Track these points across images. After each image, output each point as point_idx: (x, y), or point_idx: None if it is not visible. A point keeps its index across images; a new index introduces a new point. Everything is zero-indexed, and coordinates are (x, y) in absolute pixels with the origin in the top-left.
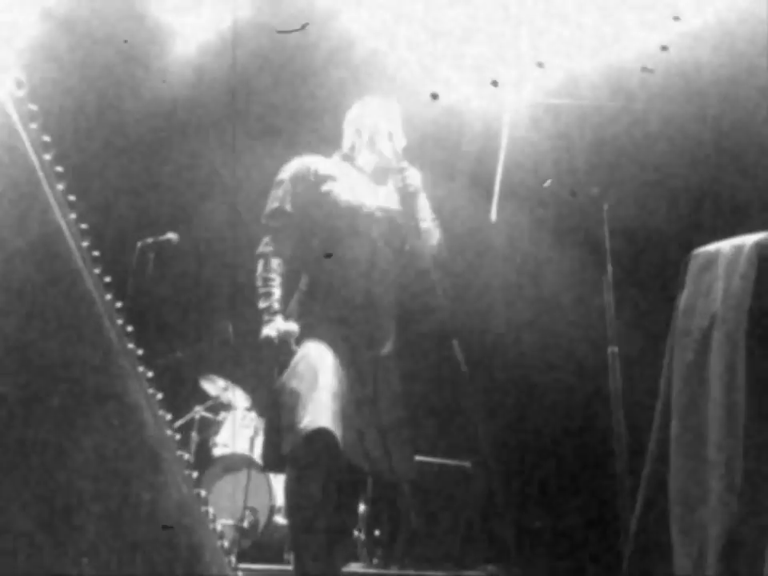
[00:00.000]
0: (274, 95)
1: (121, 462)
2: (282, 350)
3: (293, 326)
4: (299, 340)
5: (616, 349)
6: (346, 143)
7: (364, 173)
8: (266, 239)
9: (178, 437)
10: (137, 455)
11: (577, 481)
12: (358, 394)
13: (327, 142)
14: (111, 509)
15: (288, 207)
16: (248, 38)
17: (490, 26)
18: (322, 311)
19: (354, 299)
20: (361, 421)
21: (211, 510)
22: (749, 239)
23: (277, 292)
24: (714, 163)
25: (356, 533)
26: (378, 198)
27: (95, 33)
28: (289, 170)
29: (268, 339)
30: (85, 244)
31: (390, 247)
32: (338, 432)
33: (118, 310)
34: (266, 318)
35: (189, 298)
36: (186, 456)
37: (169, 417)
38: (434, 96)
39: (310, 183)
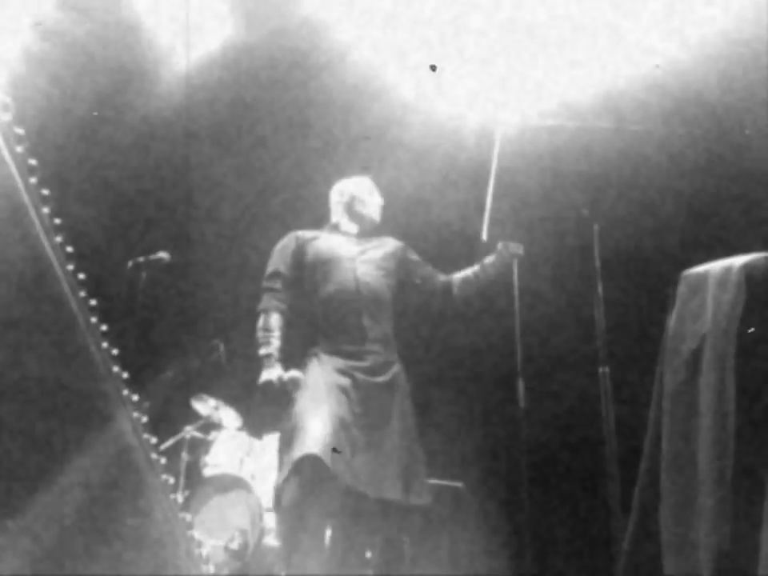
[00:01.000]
0: (268, 111)
1: (106, 486)
2: (281, 394)
3: (295, 374)
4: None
5: (607, 369)
6: (332, 217)
7: (349, 235)
8: (266, 297)
9: (163, 461)
10: (122, 480)
11: (569, 500)
12: (362, 421)
13: (320, 156)
14: (96, 534)
15: (282, 269)
16: (240, 54)
17: (485, 46)
18: (319, 347)
19: (347, 333)
20: (367, 447)
21: (197, 534)
22: (737, 260)
23: (276, 342)
24: (705, 185)
25: None
26: (362, 249)
27: (87, 47)
28: (282, 242)
29: (268, 383)
30: (70, 267)
31: (383, 282)
32: (327, 458)
33: (104, 334)
34: (266, 363)
35: (180, 317)
36: (172, 480)
37: (154, 441)
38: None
39: (300, 246)
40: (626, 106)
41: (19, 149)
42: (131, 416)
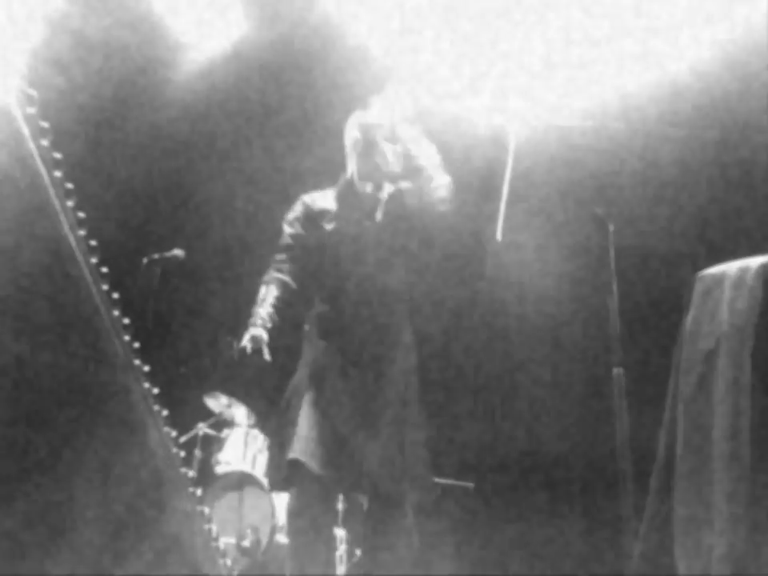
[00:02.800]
0: (282, 109)
1: (125, 479)
2: (255, 358)
3: (259, 331)
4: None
5: (621, 370)
6: (348, 164)
7: (362, 196)
8: (271, 269)
9: (182, 454)
10: (141, 472)
11: (581, 501)
12: (362, 416)
13: (334, 154)
14: (116, 527)
15: (289, 240)
16: (255, 51)
17: (503, 43)
18: (326, 338)
19: (356, 325)
20: (364, 444)
21: (215, 527)
22: (754, 261)
23: (263, 312)
24: (721, 186)
25: (358, 552)
26: (375, 225)
27: (105, 43)
28: (293, 211)
29: (241, 349)
30: (94, 260)
31: (398, 268)
32: (312, 460)
33: (125, 326)
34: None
35: (194, 314)
36: (191, 473)
37: (174, 434)
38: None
39: (311, 221)
40: (642, 106)
41: (44, 142)
42: (152, 409)
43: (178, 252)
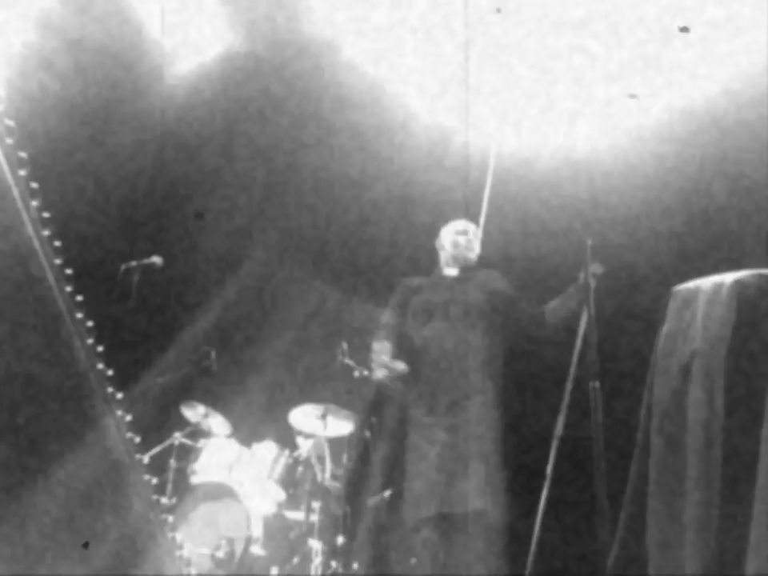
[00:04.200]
0: (268, 116)
1: (85, 483)
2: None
3: (400, 365)
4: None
5: (598, 384)
6: (441, 256)
7: (449, 279)
8: (381, 330)
9: (146, 460)
10: (102, 477)
11: (557, 509)
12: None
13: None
14: (75, 531)
15: (389, 320)
16: (240, 61)
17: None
18: (420, 384)
19: (436, 371)
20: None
21: (178, 536)
22: (728, 277)
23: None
24: (700, 202)
25: (333, 564)
26: (455, 294)
27: (91, 44)
28: (396, 294)
29: (381, 382)
30: (58, 262)
31: (476, 325)
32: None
33: (89, 330)
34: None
35: (172, 322)
36: (155, 480)
37: (138, 440)
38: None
39: (404, 296)
40: (621, 122)
41: (9, 141)
42: (115, 414)
43: (156, 259)
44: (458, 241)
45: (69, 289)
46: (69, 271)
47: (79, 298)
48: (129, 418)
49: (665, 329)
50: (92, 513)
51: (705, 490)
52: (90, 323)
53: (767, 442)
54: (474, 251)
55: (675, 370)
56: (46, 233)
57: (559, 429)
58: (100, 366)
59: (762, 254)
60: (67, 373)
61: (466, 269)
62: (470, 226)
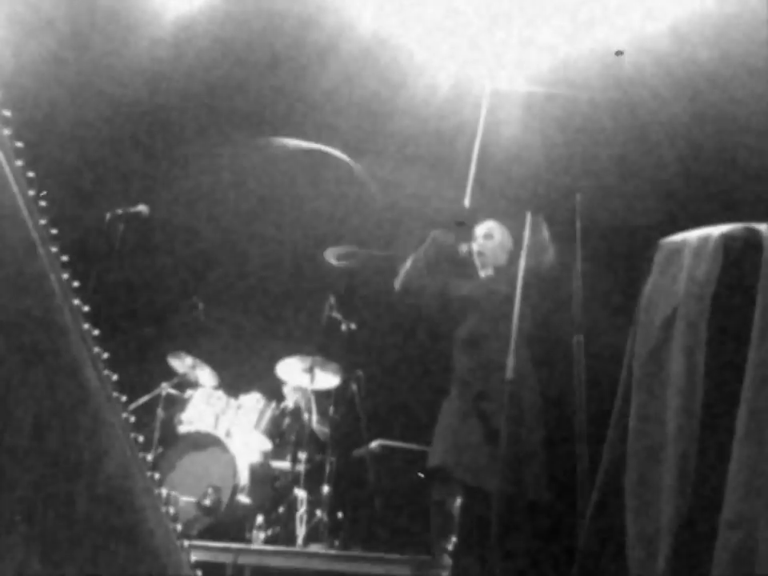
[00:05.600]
0: (254, 72)
1: (57, 417)
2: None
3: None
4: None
5: (581, 338)
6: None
7: (483, 279)
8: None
9: (124, 398)
10: (76, 413)
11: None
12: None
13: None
14: (47, 466)
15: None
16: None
17: (482, 10)
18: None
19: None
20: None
21: (157, 474)
22: (715, 230)
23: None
24: (692, 156)
25: (318, 513)
26: (489, 291)
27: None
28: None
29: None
30: (31, 193)
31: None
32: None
33: (64, 264)
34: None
35: (159, 272)
36: (133, 419)
37: (115, 377)
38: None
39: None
40: (621, 73)
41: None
42: (90, 350)
43: (142, 208)
44: (488, 244)
45: (42, 221)
46: (42, 204)
47: (53, 231)
48: (105, 355)
49: (650, 282)
50: (68, 450)
51: (684, 440)
52: (64, 257)
53: (747, 395)
54: (501, 256)
55: (658, 322)
56: (19, 162)
57: (509, 372)
58: (75, 301)
59: (753, 208)
60: (41, 307)
61: (499, 269)
62: (495, 229)
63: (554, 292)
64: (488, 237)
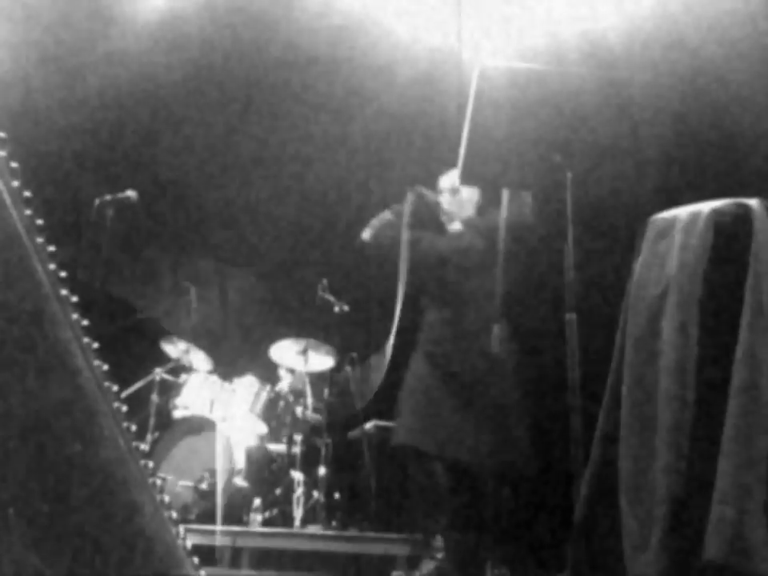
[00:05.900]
0: (242, 52)
1: (49, 409)
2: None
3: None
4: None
5: (574, 316)
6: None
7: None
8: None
9: (116, 387)
10: (68, 404)
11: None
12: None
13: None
14: (39, 458)
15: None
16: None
17: None
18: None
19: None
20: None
21: (150, 463)
22: (706, 206)
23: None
24: (684, 133)
25: (315, 495)
26: (458, 244)
27: None
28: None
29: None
30: (15, 183)
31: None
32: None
33: (51, 254)
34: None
35: (150, 257)
36: (124, 408)
37: (105, 367)
38: None
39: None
40: (610, 50)
41: None
42: (81, 341)
43: (131, 193)
44: (451, 202)
45: (28, 212)
46: (27, 193)
47: (39, 221)
48: (96, 344)
49: (640, 258)
50: (59, 440)
51: (678, 413)
52: (51, 247)
53: (739, 369)
54: (468, 208)
55: (650, 298)
56: (2, 153)
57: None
58: (64, 292)
59: (743, 182)
60: (30, 298)
61: (468, 222)
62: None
63: (539, 255)
64: (454, 191)
